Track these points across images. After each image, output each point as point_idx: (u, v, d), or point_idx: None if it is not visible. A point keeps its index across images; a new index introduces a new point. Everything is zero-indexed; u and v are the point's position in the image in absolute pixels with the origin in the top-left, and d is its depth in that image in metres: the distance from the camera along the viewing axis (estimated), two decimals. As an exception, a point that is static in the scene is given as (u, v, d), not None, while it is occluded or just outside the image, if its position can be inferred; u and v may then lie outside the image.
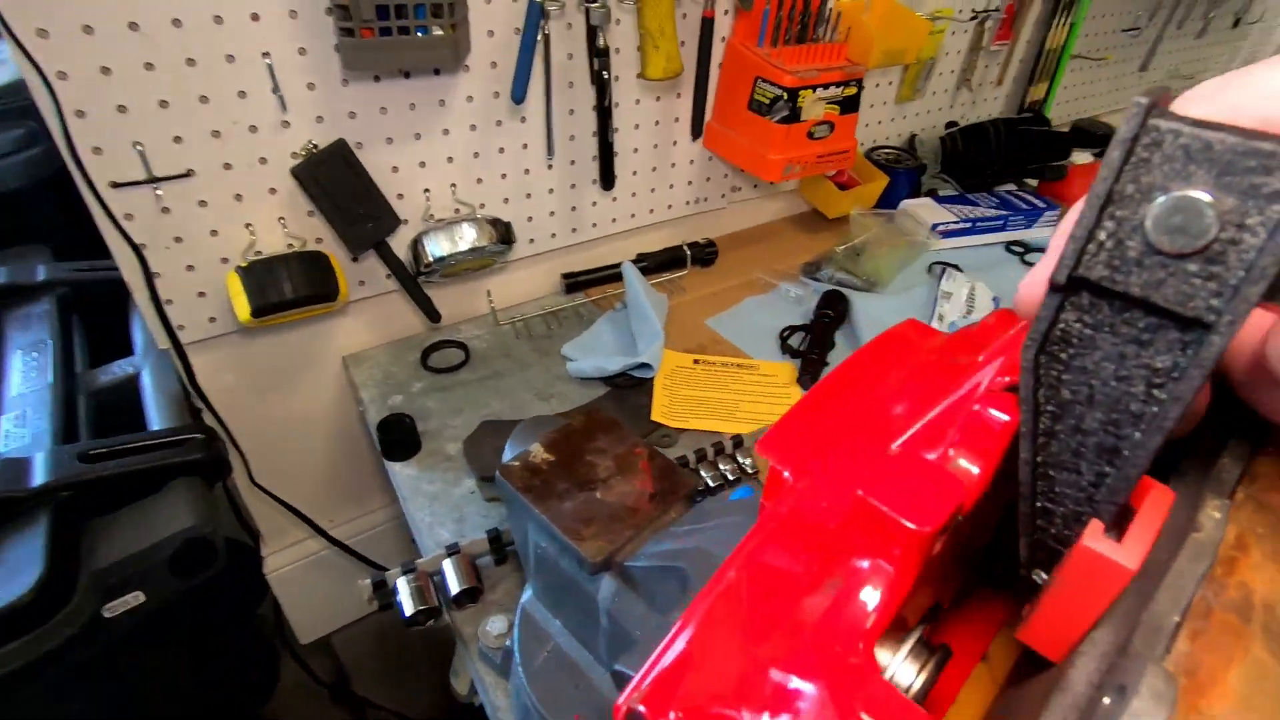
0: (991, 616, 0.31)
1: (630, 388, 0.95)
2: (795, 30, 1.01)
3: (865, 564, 0.19)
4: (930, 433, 0.25)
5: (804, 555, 0.23)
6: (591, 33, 0.88)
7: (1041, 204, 1.32)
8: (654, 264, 1.16)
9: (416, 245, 0.90)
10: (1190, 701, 0.17)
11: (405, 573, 0.66)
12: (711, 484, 0.77)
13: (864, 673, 0.17)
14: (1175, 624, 0.19)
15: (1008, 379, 0.22)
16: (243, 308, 0.77)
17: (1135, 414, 0.18)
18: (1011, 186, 1.41)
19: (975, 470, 0.20)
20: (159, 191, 0.74)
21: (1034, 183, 1.43)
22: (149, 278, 0.78)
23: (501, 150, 0.95)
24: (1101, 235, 0.16)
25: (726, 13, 1.01)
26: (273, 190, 0.81)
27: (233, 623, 1.14)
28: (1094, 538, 0.18)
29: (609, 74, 0.91)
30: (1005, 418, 0.21)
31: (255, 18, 0.72)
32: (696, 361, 0.99)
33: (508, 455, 0.57)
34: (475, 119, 0.90)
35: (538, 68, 0.88)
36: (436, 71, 0.84)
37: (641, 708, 0.21)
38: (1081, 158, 1.58)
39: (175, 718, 1.01)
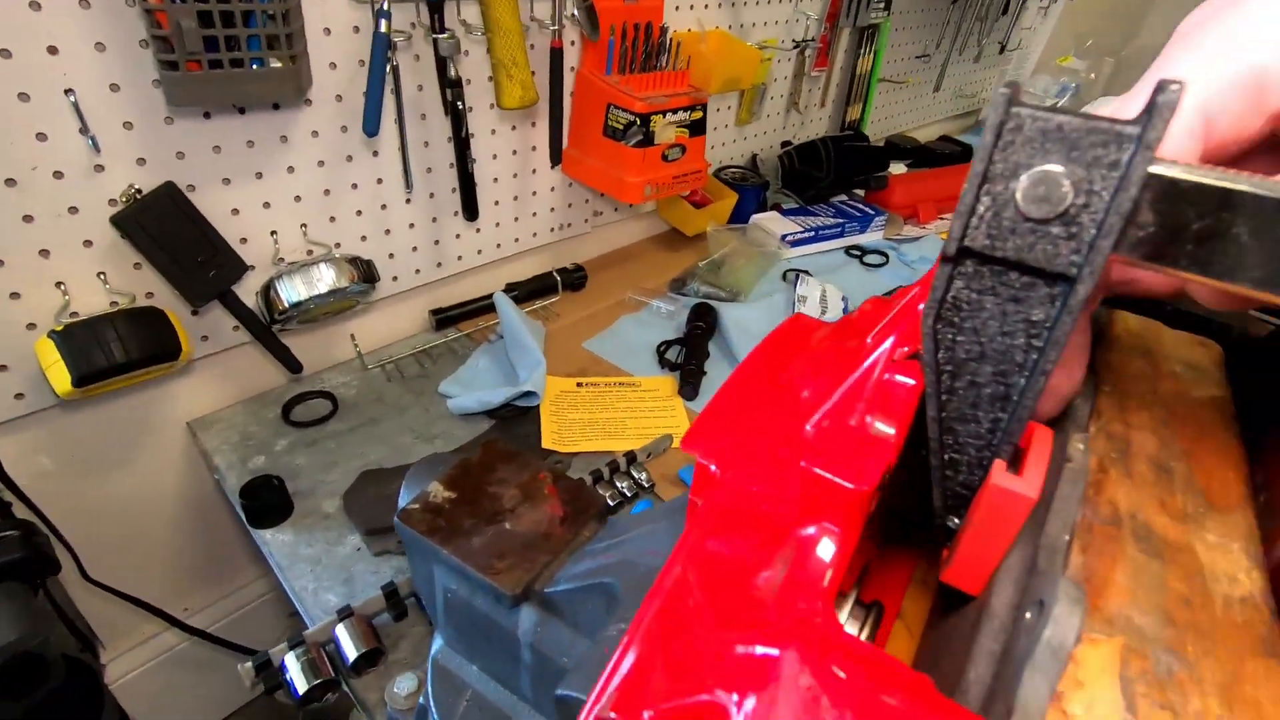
0: (900, 573, 0.34)
1: (515, 418, 0.93)
2: (640, 59, 1.06)
3: (812, 530, 0.20)
4: (840, 410, 0.27)
5: (747, 539, 0.24)
6: (441, 64, 0.87)
7: (871, 211, 1.47)
8: (525, 292, 1.15)
9: (269, 291, 0.83)
10: (1093, 602, 0.20)
11: (293, 647, 0.60)
12: (611, 503, 0.77)
13: (829, 630, 0.18)
14: (1067, 541, 0.22)
15: (907, 349, 0.24)
16: (60, 377, 0.67)
17: (1019, 363, 0.20)
18: (843, 197, 1.56)
19: (892, 431, 0.22)
20: (-60, 252, 0.63)
21: (861, 192, 1.59)
22: (-69, 354, 0.66)
23: (355, 186, 0.91)
24: (980, 209, 0.19)
25: (573, 43, 1.04)
26: (88, 243, 0.72)
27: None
28: (1000, 476, 0.20)
29: (463, 104, 0.90)
30: (911, 382, 0.23)
31: (53, 51, 0.64)
32: (580, 384, 0.99)
33: (404, 500, 0.54)
34: (323, 155, 0.86)
35: (388, 100, 0.86)
36: (276, 106, 0.79)
37: (613, 715, 0.21)
38: (897, 168, 1.77)
39: None
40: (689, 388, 0.99)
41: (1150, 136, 0.16)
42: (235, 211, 0.81)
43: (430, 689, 0.54)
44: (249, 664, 0.60)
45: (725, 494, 0.26)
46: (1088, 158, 0.17)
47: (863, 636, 0.24)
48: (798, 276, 1.24)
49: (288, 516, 0.77)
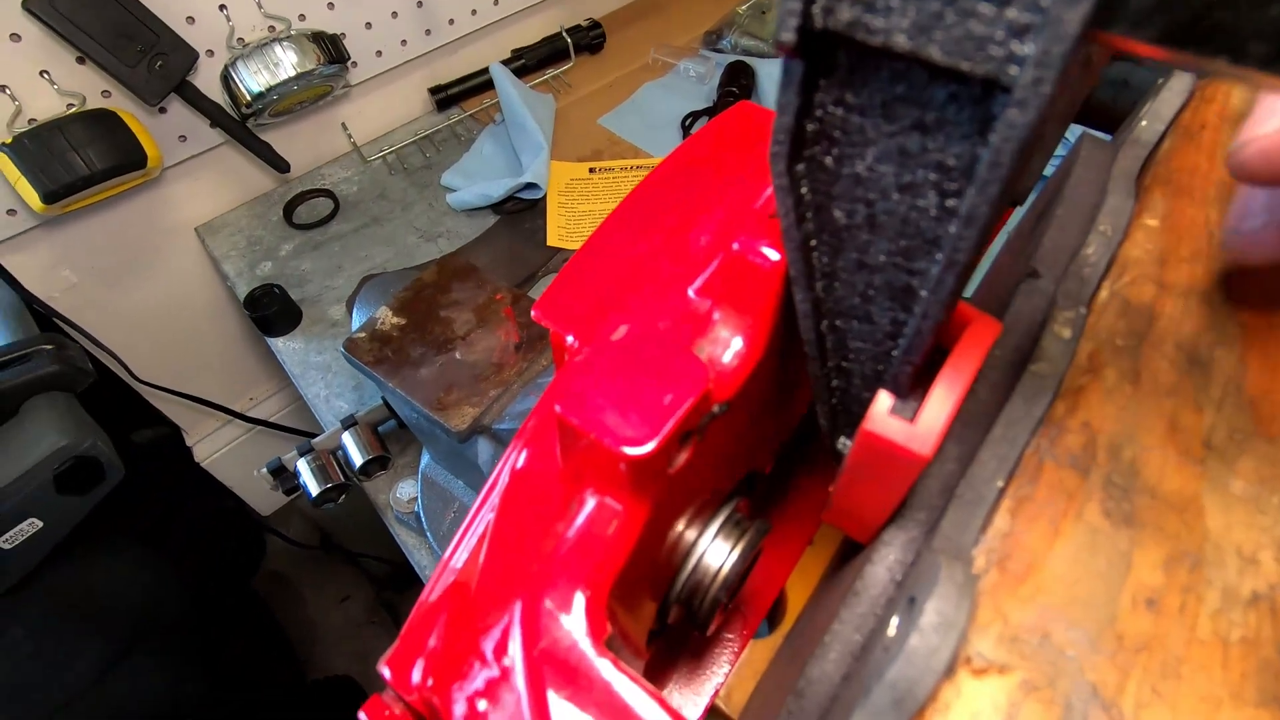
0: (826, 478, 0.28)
1: (522, 211, 0.86)
2: None
3: (591, 503, 0.14)
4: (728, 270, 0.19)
5: (562, 455, 0.18)
6: None
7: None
8: (533, 60, 1.01)
9: (228, 81, 0.75)
10: (995, 604, 0.14)
11: (303, 454, 0.63)
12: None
13: (573, 652, 0.13)
14: (998, 491, 0.15)
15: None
16: (30, 194, 0.65)
17: (929, 239, 0.12)
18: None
19: (738, 341, 0.15)
20: None
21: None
22: (-100, 175, 0.64)
23: (304, -63, 0.76)
24: (839, -56, 0.09)
25: None
26: (15, 36, 0.64)
27: (191, 512, 1.14)
28: (879, 418, 0.13)
29: None
30: (776, 256, 0.15)
31: None
32: (592, 170, 0.89)
33: (355, 325, 0.51)
34: (253, -103, 0.70)
35: None
36: None
37: (386, 670, 0.18)
38: None
39: (172, 604, 1.05)
40: (715, 169, 0.87)
41: None
42: (169, -17, 0.70)
43: (420, 500, 0.56)
44: (265, 469, 0.63)
45: (575, 378, 0.20)
46: None
47: (733, 556, 0.19)
48: None
49: (296, 325, 0.77)
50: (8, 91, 0.66)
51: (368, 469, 0.64)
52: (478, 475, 0.51)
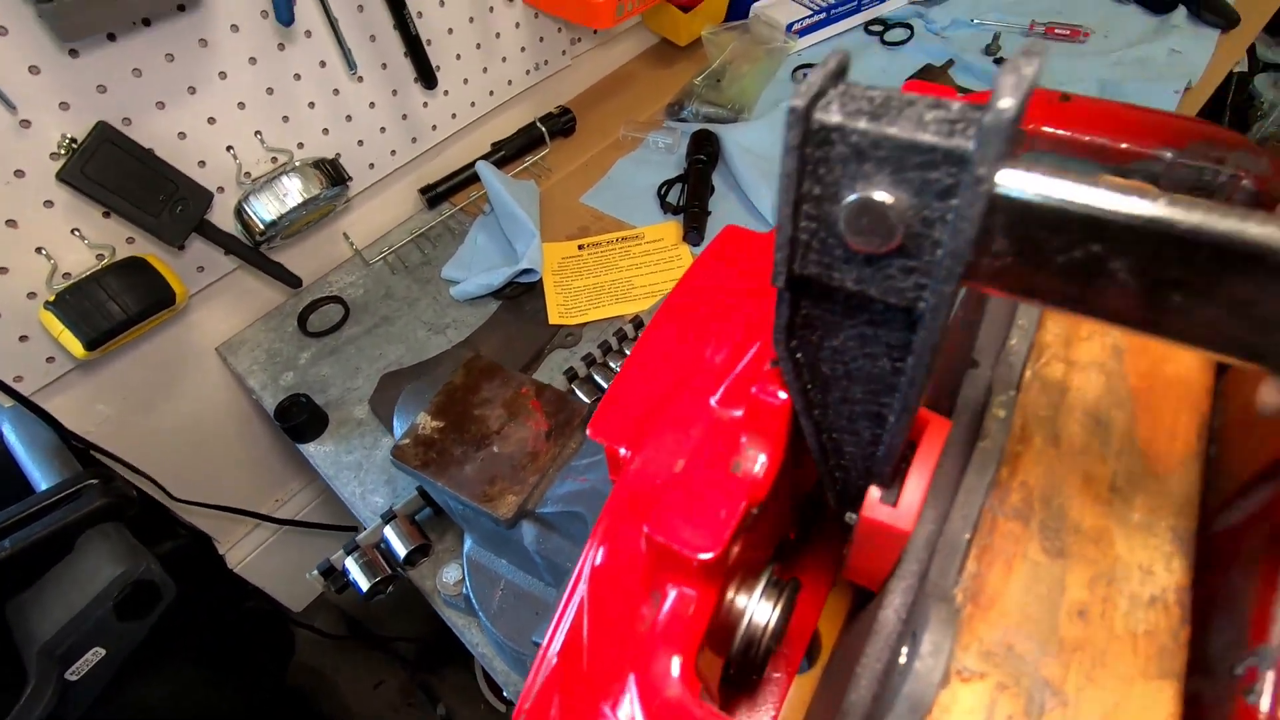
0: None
1: (522, 295, 0.92)
2: None
3: (673, 593, 0.19)
4: (741, 384, 0.25)
5: (639, 549, 0.23)
6: (344, -91, 0.74)
7: (892, -29, 1.25)
8: (512, 150, 1.08)
9: (242, 213, 0.81)
10: (972, 629, 0.19)
11: (350, 552, 0.67)
12: (622, 374, 0.78)
13: (682, 707, 0.18)
14: (966, 542, 0.20)
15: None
16: (73, 344, 0.70)
17: (887, 385, 0.17)
18: (860, -43, 1.32)
19: (763, 457, 0.20)
20: (-92, 248, 0.63)
21: (882, -54, 1.34)
22: (-49, 341, 0.69)
23: (298, 77, 0.83)
24: (804, 237, 0.15)
25: None
26: (49, 203, 0.71)
27: (226, 617, 1.17)
28: (871, 506, 0.18)
29: (384, -46, 0.78)
30: (784, 396, 0.20)
31: (-82, 5, 0.58)
32: (581, 247, 0.96)
33: (398, 432, 0.56)
34: (251, 50, 0.78)
35: (297, -30, 0.75)
36: (181, 8, 0.71)
37: (524, 738, 0.22)
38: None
39: (223, 712, 1.06)
40: (694, 232, 0.94)
41: (980, 165, 0.11)
42: (182, 135, 0.77)
43: (468, 582, 0.60)
44: (315, 572, 0.67)
45: (633, 480, 0.25)
46: (916, 182, 0.13)
47: (775, 614, 0.24)
48: (807, 75, 1.10)
49: (325, 428, 0.82)
50: (44, 253, 0.72)
51: (411, 558, 0.68)
52: (521, 555, 0.55)
